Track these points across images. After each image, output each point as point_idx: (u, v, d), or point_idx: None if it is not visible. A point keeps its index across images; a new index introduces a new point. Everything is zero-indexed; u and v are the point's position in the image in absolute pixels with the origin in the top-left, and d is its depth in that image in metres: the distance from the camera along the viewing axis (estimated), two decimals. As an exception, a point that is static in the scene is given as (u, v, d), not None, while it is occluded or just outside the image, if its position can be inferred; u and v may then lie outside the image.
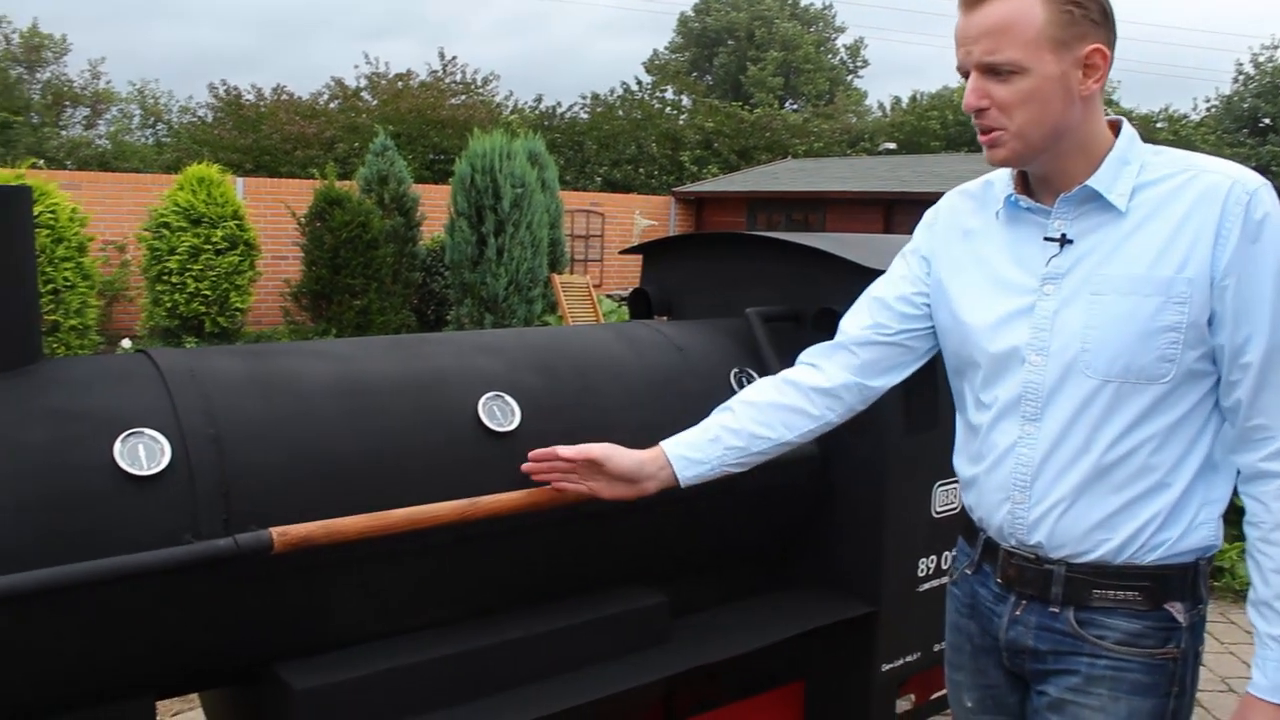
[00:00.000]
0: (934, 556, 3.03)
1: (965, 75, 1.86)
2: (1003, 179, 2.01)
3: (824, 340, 2.64)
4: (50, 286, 11.64)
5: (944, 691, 3.38)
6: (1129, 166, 1.86)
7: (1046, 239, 1.92)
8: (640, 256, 3.67)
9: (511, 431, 2.45)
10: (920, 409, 2.93)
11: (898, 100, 42.50)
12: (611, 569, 2.70)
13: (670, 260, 3.54)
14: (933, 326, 2.15)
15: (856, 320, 2.23)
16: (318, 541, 2.07)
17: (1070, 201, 1.88)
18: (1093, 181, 1.85)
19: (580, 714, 2.47)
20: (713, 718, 2.98)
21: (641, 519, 2.66)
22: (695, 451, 2.23)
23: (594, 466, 2.24)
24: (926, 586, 3.03)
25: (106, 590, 1.94)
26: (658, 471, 2.23)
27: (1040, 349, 1.90)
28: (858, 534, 2.96)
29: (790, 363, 2.88)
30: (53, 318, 11.64)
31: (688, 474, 2.23)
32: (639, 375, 2.75)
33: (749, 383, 2.88)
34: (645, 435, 2.64)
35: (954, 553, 2.23)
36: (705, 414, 2.56)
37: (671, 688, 3.21)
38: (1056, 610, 1.94)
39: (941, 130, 34.58)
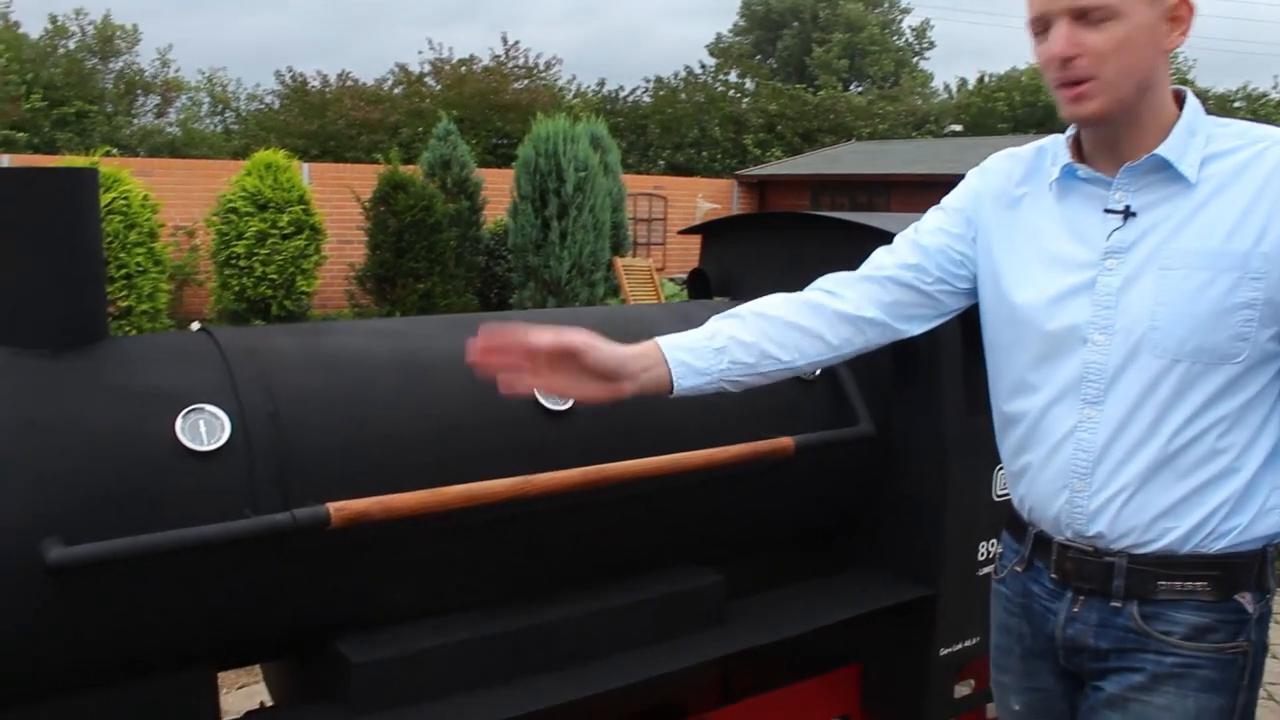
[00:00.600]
0: (994, 541, 2.98)
1: (1042, 29, 1.75)
2: (1056, 145, 1.92)
3: None
4: (123, 271, 11.87)
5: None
6: (1196, 137, 1.77)
7: (1108, 211, 1.81)
8: (701, 238, 3.66)
9: (567, 410, 2.45)
10: (982, 389, 2.88)
11: (964, 82, 41.91)
12: (667, 548, 2.69)
13: (730, 240, 3.52)
14: (967, 287, 2.05)
15: (895, 258, 2.07)
16: (374, 517, 2.09)
17: (1135, 172, 1.79)
18: (1163, 150, 1.75)
19: (635, 693, 2.47)
20: (769, 699, 2.97)
21: (697, 497, 2.65)
22: (697, 359, 1.91)
23: (566, 359, 1.82)
24: (986, 571, 2.98)
25: (167, 563, 1.97)
26: (642, 372, 1.88)
27: (1104, 327, 1.79)
28: (916, 516, 2.93)
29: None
30: (125, 302, 11.87)
31: (685, 383, 1.91)
32: (695, 355, 2.74)
33: (807, 362, 2.85)
34: (701, 413, 2.64)
35: (999, 549, 2.13)
36: (759, 394, 2.55)
37: (728, 668, 3.21)
38: (1119, 605, 1.84)
39: (1009, 112, 33.99)
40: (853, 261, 3.04)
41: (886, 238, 2.91)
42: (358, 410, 2.23)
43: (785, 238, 3.32)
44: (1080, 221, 1.86)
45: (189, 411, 2.07)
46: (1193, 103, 1.81)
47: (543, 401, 2.42)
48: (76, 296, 2.11)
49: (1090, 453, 1.83)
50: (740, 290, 3.43)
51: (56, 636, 1.94)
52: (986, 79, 38.46)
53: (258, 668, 3.41)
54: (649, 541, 2.65)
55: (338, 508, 2.05)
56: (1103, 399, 1.81)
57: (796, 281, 3.10)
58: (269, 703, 2.90)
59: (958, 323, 2.88)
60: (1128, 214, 1.79)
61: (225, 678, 4.55)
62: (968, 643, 3.01)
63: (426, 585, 2.35)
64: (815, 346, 2.01)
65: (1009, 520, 2.08)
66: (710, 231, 3.60)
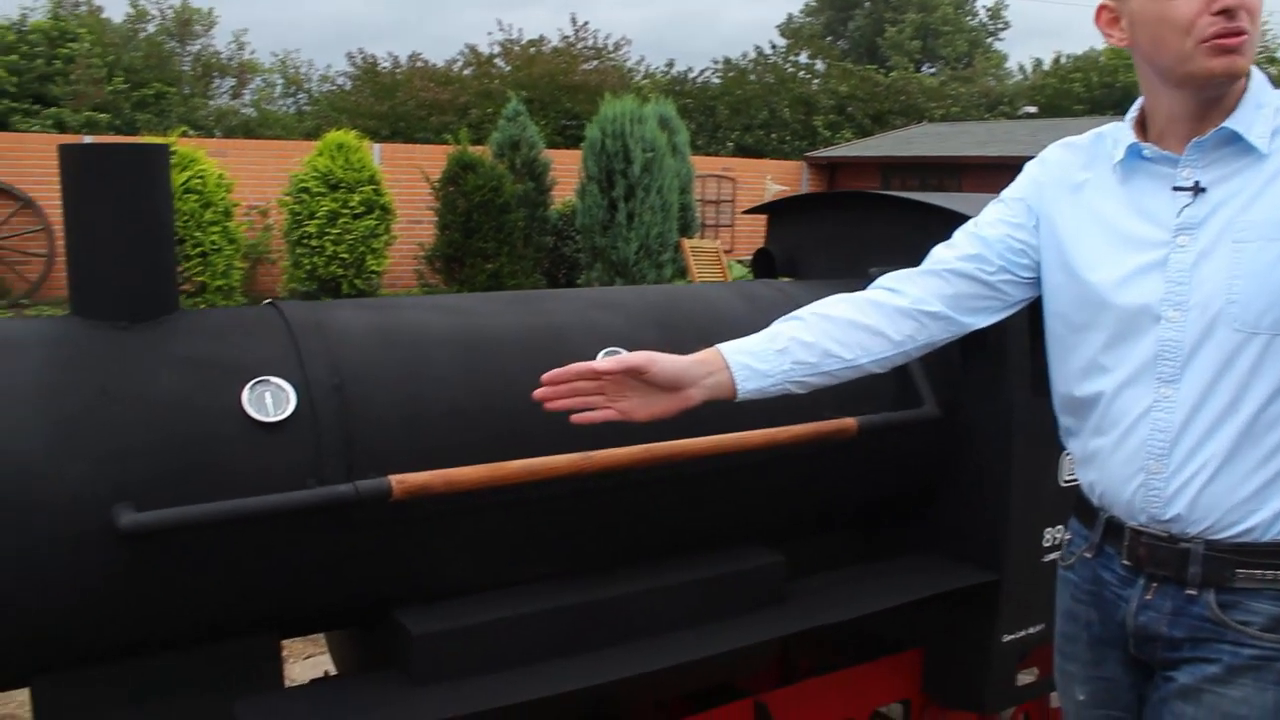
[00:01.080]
0: (1060, 527, 2.94)
1: None
2: (1116, 131, 1.89)
3: None
4: (199, 249, 12.13)
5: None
6: (1264, 109, 1.74)
7: (1176, 188, 1.78)
8: (766, 218, 3.64)
9: (629, 388, 2.45)
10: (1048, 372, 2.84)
11: (1039, 62, 41.08)
12: (727, 527, 2.69)
13: (795, 220, 3.50)
14: (1030, 276, 2.01)
15: (955, 250, 2.04)
16: (436, 490, 2.11)
17: (1203, 147, 1.75)
18: (1231, 123, 1.72)
19: (693, 670, 2.48)
20: (829, 680, 2.96)
21: (758, 477, 2.64)
22: (760, 361, 1.94)
23: (630, 378, 1.90)
24: (1052, 557, 2.94)
25: (233, 530, 2.01)
26: (706, 377, 1.92)
27: (1178, 304, 1.75)
28: (980, 500, 2.89)
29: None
30: (200, 279, 12.14)
31: (748, 386, 1.94)
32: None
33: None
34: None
35: (1066, 535, 2.10)
36: None
37: (789, 649, 3.20)
38: (1194, 593, 1.78)
39: (1085, 93, 33.28)
40: (918, 240, 3.01)
41: (951, 216, 2.88)
42: (421, 385, 2.25)
43: (851, 217, 3.29)
44: (1147, 201, 1.82)
45: (255, 383, 2.10)
46: (1258, 76, 1.77)
47: (604, 378, 2.42)
48: (148, 269, 2.16)
49: (1167, 433, 1.77)
50: (806, 270, 3.40)
51: (126, 600, 1.98)
52: (1062, 59, 37.71)
53: (324, 640, 3.46)
54: (709, 520, 2.64)
55: (399, 479, 2.07)
56: (1179, 377, 1.76)
57: (862, 260, 3.08)
58: (334, 674, 2.95)
59: (1025, 306, 2.84)
60: (1197, 190, 1.76)
61: (292, 648, 4.64)
62: (1031, 630, 2.97)
63: (487, 559, 2.36)
64: (878, 343, 2.00)
65: (1077, 506, 2.04)
66: (776, 211, 3.58)
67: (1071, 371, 1.95)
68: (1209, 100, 1.75)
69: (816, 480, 2.77)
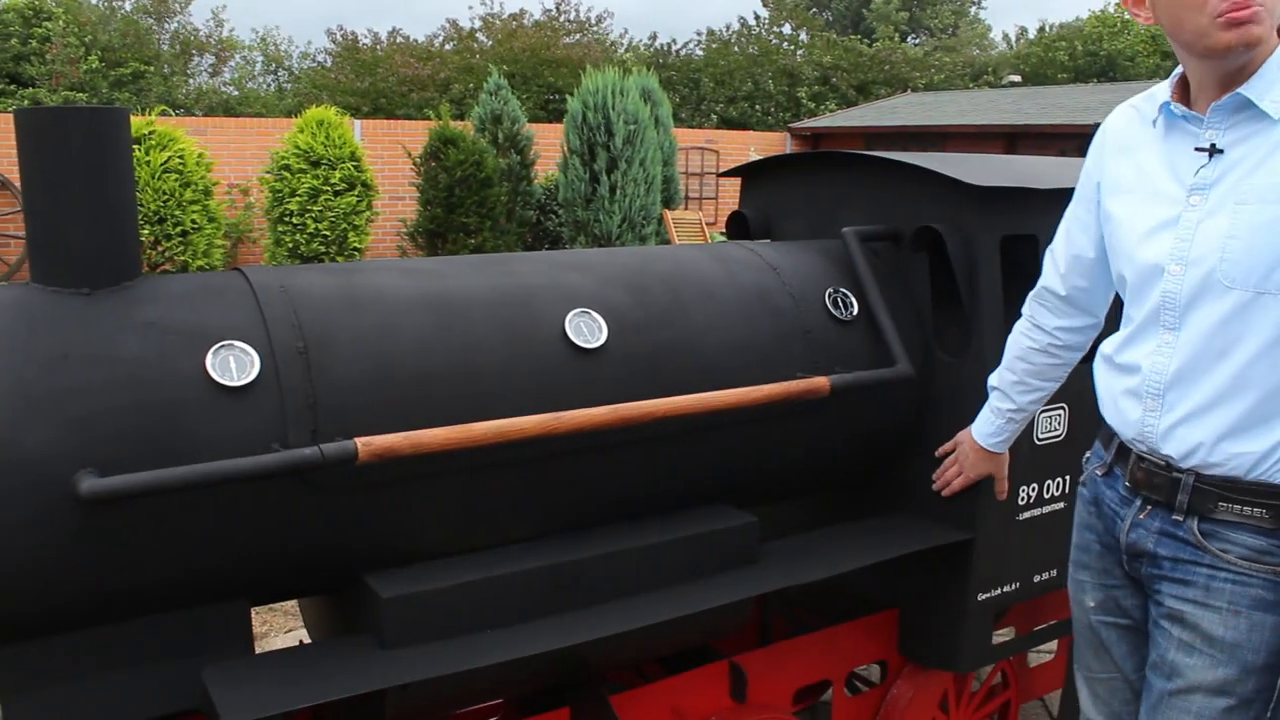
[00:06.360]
0: (1034, 485, 2.94)
1: None
2: (1160, 90, 2.00)
3: (922, 259, 2.79)
4: (179, 229, 12.02)
5: (1048, 624, 3.30)
6: None
7: (1197, 149, 1.90)
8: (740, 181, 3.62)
9: (599, 348, 2.44)
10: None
11: (1023, 31, 40.93)
12: (701, 489, 2.68)
13: (769, 182, 3.48)
14: None
15: (1055, 273, 2.32)
16: (402, 453, 2.09)
17: (1222, 110, 1.86)
18: (1245, 89, 1.82)
19: (668, 632, 2.47)
20: (805, 641, 2.96)
21: (729, 438, 2.63)
22: (997, 434, 2.61)
23: None
24: (1027, 515, 2.94)
25: (197, 496, 1.99)
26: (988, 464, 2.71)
27: (1180, 259, 1.89)
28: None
29: (887, 282, 2.85)
30: (182, 258, 12.03)
31: (1001, 447, 2.66)
32: (731, 294, 2.71)
33: (843, 303, 2.82)
34: (735, 353, 2.62)
35: (1088, 454, 2.27)
36: (795, 334, 2.62)
37: (766, 613, 3.20)
38: (1180, 518, 1.96)
39: (1069, 62, 33.12)
40: (889, 198, 3.00)
41: (922, 174, 2.86)
42: (387, 348, 2.23)
43: (823, 178, 3.27)
44: (1176, 159, 1.94)
45: (219, 348, 2.08)
46: None
47: (573, 339, 2.41)
48: (109, 235, 2.12)
49: (1162, 375, 1.94)
50: (780, 231, 3.39)
51: (89, 567, 1.96)
52: (1047, 28, 37.54)
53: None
54: (682, 482, 2.63)
55: (365, 442, 2.05)
56: (1178, 326, 1.91)
57: (836, 220, 3.07)
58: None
59: (999, 263, 2.83)
60: (1214, 151, 1.87)
61: (273, 621, 4.64)
62: (1007, 589, 2.97)
63: (458, 523, 2.35)
64: (1058, 368, 2.43)
65: (1100, 431, 2.22)
66: (749, 174, 3.56)
67: (1124, 318, 2.12)
68: (1233, 69, 1.84)
69: (791, 441, 2.76)
